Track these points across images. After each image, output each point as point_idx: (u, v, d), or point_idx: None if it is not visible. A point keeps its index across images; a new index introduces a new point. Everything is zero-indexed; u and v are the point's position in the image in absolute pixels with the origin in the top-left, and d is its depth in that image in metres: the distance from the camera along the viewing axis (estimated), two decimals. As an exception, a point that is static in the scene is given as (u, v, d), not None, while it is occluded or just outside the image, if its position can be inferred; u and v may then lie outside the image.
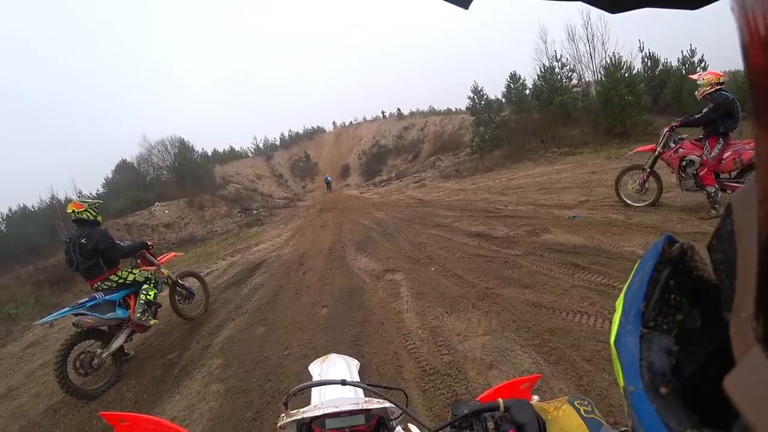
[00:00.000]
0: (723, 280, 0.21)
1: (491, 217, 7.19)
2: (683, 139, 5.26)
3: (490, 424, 0.63)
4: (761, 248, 0.17)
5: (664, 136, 5.34)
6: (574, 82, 19.64)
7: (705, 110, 4.84)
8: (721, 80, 4.87)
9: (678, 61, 17.55)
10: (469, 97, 23.22)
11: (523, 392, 0.93)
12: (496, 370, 2.70)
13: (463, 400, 0.71)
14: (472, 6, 0.33)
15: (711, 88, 4.84)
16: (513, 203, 8.21)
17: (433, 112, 44.23)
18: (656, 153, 5.44)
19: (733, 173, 4.82)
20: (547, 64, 19.83)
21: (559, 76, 19.66)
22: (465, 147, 25.99)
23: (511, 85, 22.25)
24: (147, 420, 0.92)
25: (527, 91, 21.78)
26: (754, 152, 0.17)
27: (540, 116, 19.99)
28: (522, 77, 22.04)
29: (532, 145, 17.89)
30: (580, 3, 0.29)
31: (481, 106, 22.90)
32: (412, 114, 45.09)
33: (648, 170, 5.62)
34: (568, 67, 19.55)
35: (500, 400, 0.63)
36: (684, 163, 5.12)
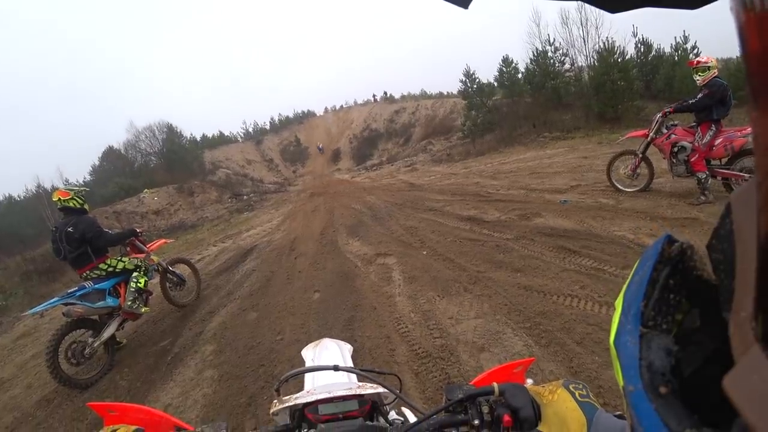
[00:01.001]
0: (722, 280, 0.21)
1: (483, 201, 7.21)
2: (675, 125, 5.31)
3: (485, 408, 0.63)
4: (761, 248, 0.17)
5: (657, 121, 5.39)
6: (567, 66, 19.53)
7: (700, 95, 4.86)
8: (712, 64, 4.92)
9: (671, 47, 17.52)
10: (461, 81, 23.02)
11: (517, 376, 0.94)
12: (487, 353, 2.73)
13: (456, 383, 0.71)
14: (471, 5, 0.33)
15: (710, 74, 4.86)
16: (504, 187, 8.23)
17: (424, 95, 43.83)
18: (649, 138, 5.48)
19: (724, 160, 4.87)
20: (540, 48, 19.67)
21: (551, 60, 19.53)
22: (456, 131, 25.85)
23: (504, 68, 22.10)
24: (136, 409, 0.91)
25: (519, 75, 21.65)
26: (752, 134, 0.17)
27: (532, 100, 19.92)
28: (514, 61, 21.89)
29: (524, 130, 17.87)
30: (578, 3, 0.29)
31: (473, 90, 22.72)
32: (403, 97, 44.62)
33: (640, 156, 5.66)
34: (560, 51, 19.41)
35: (495, 384, 0.63)
36: (676, 149, 5.18)
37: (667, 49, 17.72)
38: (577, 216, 5.13)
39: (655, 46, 18.19)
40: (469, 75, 22.55)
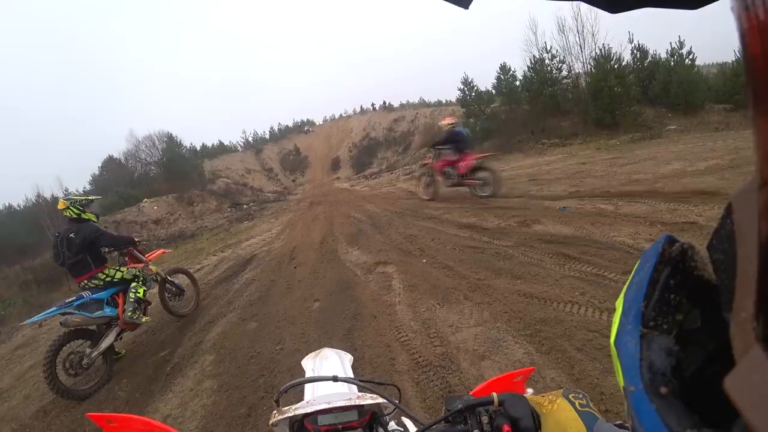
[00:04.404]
0: (723, 280, 0.21)
1: (482, 208, 7.21)
2: (441, 156, 8.88)
3: (485, 419, 0.63)
4: (761, 248, 0.17)
5: (434, 154, 9.12)
6: (564, 73, 19.65)
7: (441, 139, 8.94)
8: (453, 122, 8.96)
9: (667, 52, 17.67)
10: (460, 89, 23.19)
11: (517, 385, 0.93)
12: (488, 361, 2.72)
13: (456, 394, 0.70)
14: (472, 6, 0.33)
15: (450, 127, 8.79)
16: (504, 194, 8.23)
17: (423, 103, 44.12)
18: (431, 164, 9.23)
19: (465, 174, 8.22)
20: (537, 56, 19.82)
21: (549, 68, 19.66)
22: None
23: (501, 76, 22.25)
24: (136, 420, 0.91)
25: (517, 83, 21.79)
26: (753, 140, 0.17)
27: (530, 107, 20.03)
28: (512, 68, 22.06)
29: (523, 137, 17.93)
30: (578, 3, 0.29)
31: (471, 98, 22.88)
32: (402, 106, 44.96)
33: (429, 175, 9.34)
34: (558, 59, 19.53)
35: (494, 394, 0.63)
36: (444, 171, 8.78)
37: (663, 55, 17.87)
38: (576, 222, 5.13)
39: (651, 51, 18.36)
40: (467, 83, 22.70)
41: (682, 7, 0.25)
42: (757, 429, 0.15)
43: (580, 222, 5.11)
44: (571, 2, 0.30)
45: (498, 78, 22.42)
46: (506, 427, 0.58)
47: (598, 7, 0.28)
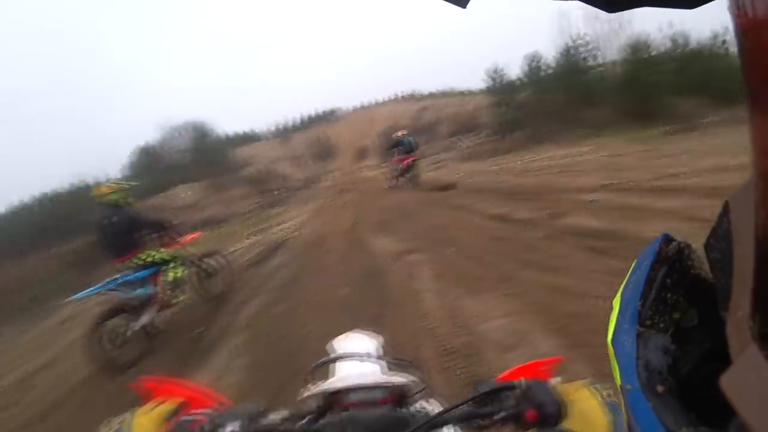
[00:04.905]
0: (720, 279, 0.22)
1: (511, 199, 7.13)
2: (396, 156, 12.01)
3: (510, 403, 0.65)
4: (758, 247, 0.17)
5: (393, 151, 12.36)
6: (597, 61, 18.85)
7: (393, 144, 12.49)
8: (403, 133, 12.63)
9: (708, 39, 16.64)
10: (488, 77, 22.59)
11: (544, 373, 0.95)
12: (514, 352, 2.72)
13: (484, 378, 0.74)
14: (470, 5, 0.32)
15: (399, 136, 12.23)
16: (534, 186, 8.10)
17: (450, 92, 43.35)
18: (391, 161, 12.55)
19: (404, 171, 11.51)
20: (569, 43, 19.09)
21: (581, 56, 18.89)
22: (484, 128, 25.48)
23: (531, 64, 21.56)
24: (180, 384, 0.95)
25: (548, 71, 21.08)
26: (750, 134, 0.17)
27: (561, 97, 19.40)
28: (543, 57, 21.33)
29: (554, 127, 17.41)
30: (578, 3, 0.29)
31: (500, 87, 22.30)
32: (430, 95, 44.32)
33: (400, 169, 11.76)
34: (590, 46, 18.71)
35: (521, 380, 0.66)
36: (395, 167, 11.84)
37: (704, 41, 16.79)
38: (606, 216, 5.01)
39: (690, 39, 17.25)
40: (496, 71, 22.11)
41: (680, 6, 0.26)
42: (752, 427, 0.15)
43: (610, 215, 4.99)
44: (569, 2, 0.30)
45: (528, 66, 21.72)
46: (531, 412, 0.61)
47: (597, 6, 0.28)
